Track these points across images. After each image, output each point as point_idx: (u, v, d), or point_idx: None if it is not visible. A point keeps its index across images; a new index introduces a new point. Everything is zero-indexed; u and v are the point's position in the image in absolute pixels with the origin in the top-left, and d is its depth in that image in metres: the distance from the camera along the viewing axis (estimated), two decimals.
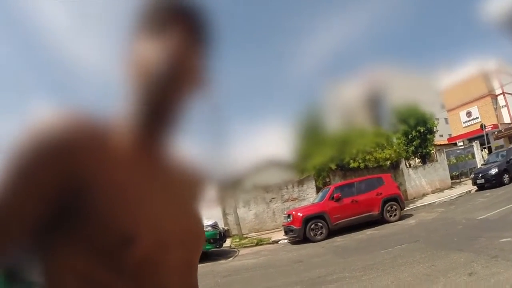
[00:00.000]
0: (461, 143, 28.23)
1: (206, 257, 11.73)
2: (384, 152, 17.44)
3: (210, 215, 16.41)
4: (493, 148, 25.78)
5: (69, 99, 0.84)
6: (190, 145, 0.98)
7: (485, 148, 25.14)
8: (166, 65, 0.78)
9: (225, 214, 17.68)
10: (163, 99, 0.80)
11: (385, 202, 12.85)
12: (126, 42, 0.83)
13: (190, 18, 0.84)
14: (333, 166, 17.88)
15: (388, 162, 17.51)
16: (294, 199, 17.56)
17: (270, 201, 17.72)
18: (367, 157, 17.24)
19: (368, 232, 11.58)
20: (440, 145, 24.75)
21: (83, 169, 0.70)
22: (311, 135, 21.99)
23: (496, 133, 29.86)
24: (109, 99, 0.89)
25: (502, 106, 33.42)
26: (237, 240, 15.17)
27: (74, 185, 0.69)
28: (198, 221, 0.94)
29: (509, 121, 32.09)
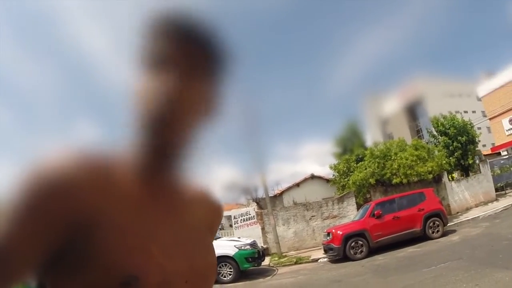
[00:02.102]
0: (505, 153, 26.99)
1: (245, 275, 11.76)
2: (426, 166, 16.93)
3: (249, 234, 16.43)
4: None
5: (73, 137, 0.85)
6: (204, 173, 0.95)
7: None
8: (168, 100, 0.76)
9: (264, 233, 17.66)
10: (167, 133, 0.79)
11: (427, 218, 12.39)
12: (132, 77, 0.81)
13: (194, 49, 0.81)
14: (373, 182, 17.51)
15: (430, 176, 16.98)
16: (334, 217, 17.30)
17: (310, 218, 17.55)
18: (409, 171, 16.78)
19: (410, 249, 11.20)
20: (484, 155, 23.75)
21: (88, 207, 0.70)
22: (351, 149, 21.77)
23: None
24: (115, 136, 0.88)
25: None
26: (276, 258, 15.02)
27: (78, 223, 0.69)
28: (208, 255, 0.91)
29: None
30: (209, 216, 0.99)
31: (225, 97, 0.87)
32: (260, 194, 23.38)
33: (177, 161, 0.84)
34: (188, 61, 0.80)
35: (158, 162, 0.82)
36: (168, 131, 0.78)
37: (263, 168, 18.08)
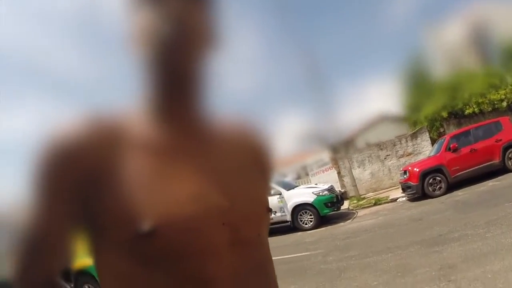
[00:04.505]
0: None
1: (326, 221, 12.05)
2: (498, 93, 16.01)
3: (326, 179, 16.70)
4: None
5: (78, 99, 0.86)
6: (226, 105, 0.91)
7: None
8: (172, 29, 0.72)
9: (340, 177, 17.86)
10: (177, 65, 0.76)
11: (506, 148, 11.69)
12: (128, 14, 0.78)
13: None
14: (445, 115, 16.89)
15: (504, 104, 16.01)
16: (409, 154, 17.05)
17: (385, 158, 17.47)
18: (481, 100, 16.00)
19: (490, 183, 10.81)
20: None
21: (100, 163, 0.70)
22: (418, 84, 20.92)
23: None
24: (121, 83, 0.88)
25: None
26: (355, 201, 15.24)
27: (93, 180, 0.70)
28: (253, 194, 0.85)
29: None
30: (254, 150, 0.92)
31: (230, 21, 0.82)
32: (333, 139, 23.48)
33: (196, 94, 0.81)
34: None
35: (174, 98, 0.79)
36: (182, 58, 0.75)
37: (332, 113, 18.08)
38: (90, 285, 7.19)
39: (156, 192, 0.71)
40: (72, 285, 7.27)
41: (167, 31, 0.72)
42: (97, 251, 0.75)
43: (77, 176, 0.69)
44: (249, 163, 0.87)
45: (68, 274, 7.25)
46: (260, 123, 0.96)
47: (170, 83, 0.78)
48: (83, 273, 6.97)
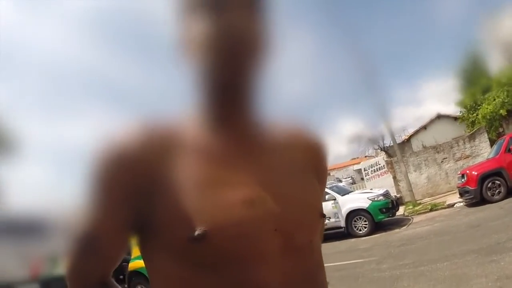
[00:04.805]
0: None
1: (380, 227, 11.88)
2: None
3: (381, 184, 16.43)
4: None
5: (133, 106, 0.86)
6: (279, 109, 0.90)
7: None
8: (226, 36, 0.72)
9: (396, 181, 17.54)
10: (230, 73, 0.75)
11: None
12: (180, 21, 0.79)
13: None
14: (504, 113, 16.19)
15: None
16: (467, 157, 16.44)
17: (442, 161, 16.96)
18: None
19: None
20: None
21: (153, 169, 0.72)
22: (475, 81, 20.12)
23: None
24: (174, 91, 0.90)
25: None
26: (411, 207, 14.88)
27: (147, 186, 0.71)
28: (306, 198, 0.84)
29: None
30: (308, 153, 0.90)
31: (284, 27, 0.82)
32: (388, 142, 23.10)
33: (249, 101, 0.81)
34: None
35: (227, 105, 0.79)
36: (236, 66, 0.75)
37: (386, 115, 17.76)
38: (143, 286, 7.55)
39: (208, 197, 0.71)
40: (126, 286, 7.69)
41: (221, 39, 0.72)
42: (148, 254, 0.78)
43: (132, 181, 0.71)
44: (302, 166, 0.87)
45: (123, 274, 7.73)
46: (313, 125, 0.95)
47: (223, 91, 0.78)
48: (137, 274, 7.39)
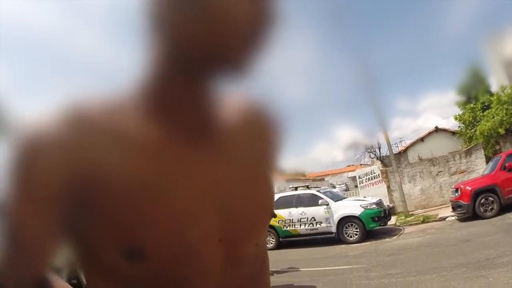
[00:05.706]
0: None
1: (371, 235, 11.93)
2: None
3: (375, 193, 16.50)
4: None
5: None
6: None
7: None
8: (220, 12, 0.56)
9: (390, 191, 17.60)
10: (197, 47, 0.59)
11: None
12: None
13: None
14: (502, 131, 16.26)
15: None
16: (462, 172, 16.50)
17: (437, 174, 17.01)
18: None
19: None
20: None
21: (83, 163, 0.60)
22: (476, 97, 20.26)
23: None
24: (124, 67, 0.72)
25: None
26: (403, 217, 14.94)
27: (76, 181, 0.59)
28: (252, 200, 0.73)
29: None
30: (262, 140, 0.79)
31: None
32: (384, 152, 23.19)
33: (214, 81, 0.64)
34: None
35: (183, 90, 0.66)
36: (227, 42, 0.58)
37: (384, 125, 17.85)
38: None
39: (146, 207, 0.61)
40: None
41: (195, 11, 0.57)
42: (85, 269, 0.69)
43: (55, 177, 0.59)
44: (258, 156, 0.76)
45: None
46: (272, 110, 0.82)
47: (178, 62, 0.63)
48: None
